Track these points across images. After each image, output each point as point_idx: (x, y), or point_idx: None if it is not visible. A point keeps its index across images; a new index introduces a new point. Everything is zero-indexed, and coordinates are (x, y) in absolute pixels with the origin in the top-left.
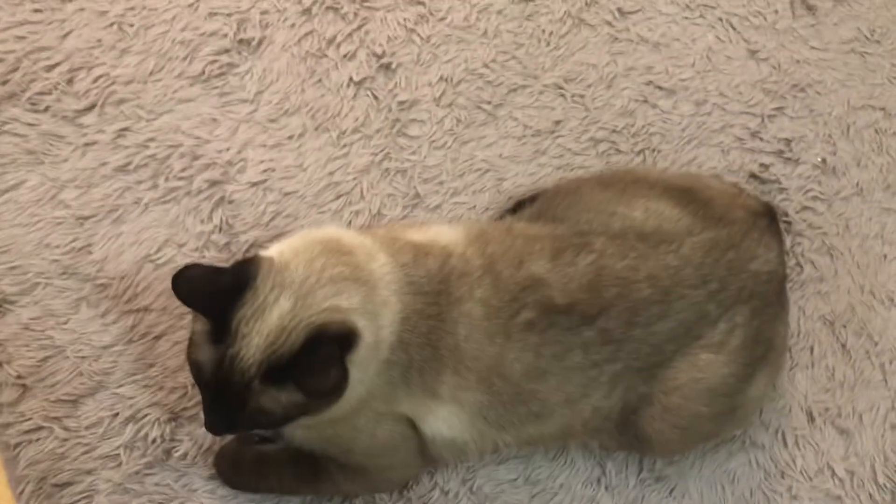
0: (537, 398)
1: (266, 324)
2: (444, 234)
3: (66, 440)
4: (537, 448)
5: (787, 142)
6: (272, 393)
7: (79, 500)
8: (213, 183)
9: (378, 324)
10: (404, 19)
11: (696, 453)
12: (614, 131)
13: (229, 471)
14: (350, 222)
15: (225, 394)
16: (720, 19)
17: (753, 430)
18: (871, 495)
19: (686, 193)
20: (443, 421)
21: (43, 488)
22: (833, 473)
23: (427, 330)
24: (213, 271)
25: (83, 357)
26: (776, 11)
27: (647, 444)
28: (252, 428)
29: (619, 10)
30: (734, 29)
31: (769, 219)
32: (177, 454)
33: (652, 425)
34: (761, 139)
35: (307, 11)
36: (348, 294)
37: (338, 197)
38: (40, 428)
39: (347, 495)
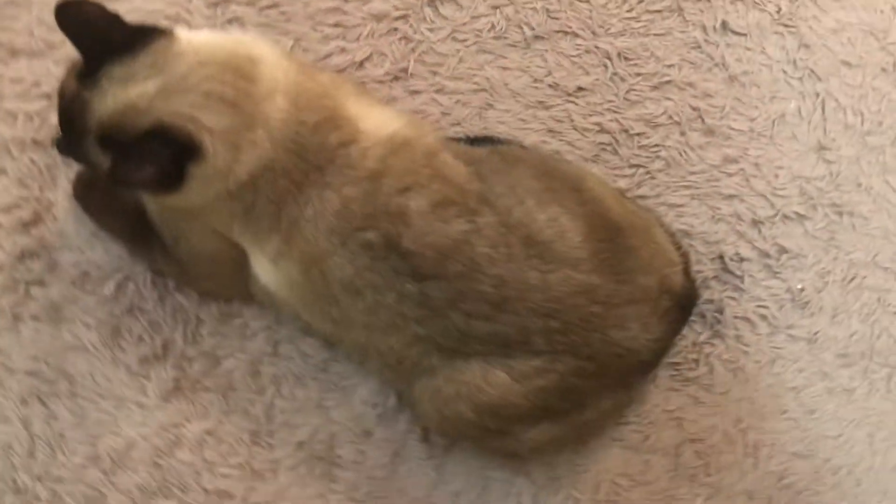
0: (341, 308)
1: (123, 94)
2: (375, 119)
3: None
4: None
5: (783, 251)
6: (101, 155)
7: None
8: None
9: (236, 157)
10: None
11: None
12: (626, 132)
13: (83, 192)
14: (328, 57)
15: (69, 127)
16: (816, 94)
17: (541, 477)
18: None
19: (612, 230)
20: (261, 268)
21: None
22: None
23: (281, 190)
24: (111, 18)
25: None
26: (880, 123)
27: (414, 408)
28: (90, 169)
29: (724, 23)
30: (822, 112)
31: (679, 307)
32: None
33: (423, 395)
34: (759, 231)
35: None
36: (216, 115)
37: (336, 25)
38: None
39: (162, 274)
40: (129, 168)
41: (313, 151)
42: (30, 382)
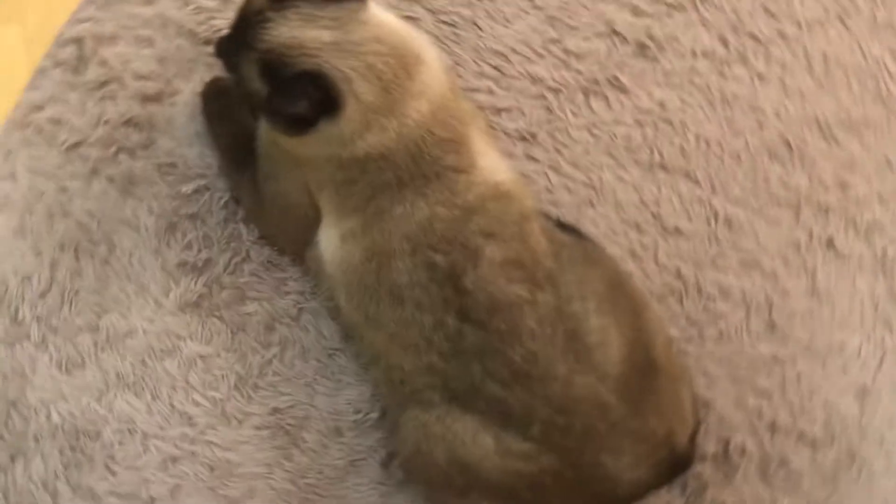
0: (379, 307)
1: (300, 31)
2: (491, 162)
3: None
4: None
5: (783, 464)
6: (253, 74)
7: None
8: None
9: (363, 132)
10: None
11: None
12: (698, 289)
13: (211, 96)
14: (475, 91)
15: (239, 35)
16: (882, 343)
17: None
18: None
19: (648, 366)
20: (327, 239)
21: None
22: None
23: (384, 181)
24: None
25: None
26: None
27: (394, 431)
28: (233, 80)
29: (830, 240)
30: (880, 362)
31: (672, 464)
32: None
33: (409, 423)
34: (772, 436)
35: None
36: (367, 88)
37: (495, 68)
38: None
39: (237, 201)
40: (285, 100)
41: (428, 162)
42: (75, 233)
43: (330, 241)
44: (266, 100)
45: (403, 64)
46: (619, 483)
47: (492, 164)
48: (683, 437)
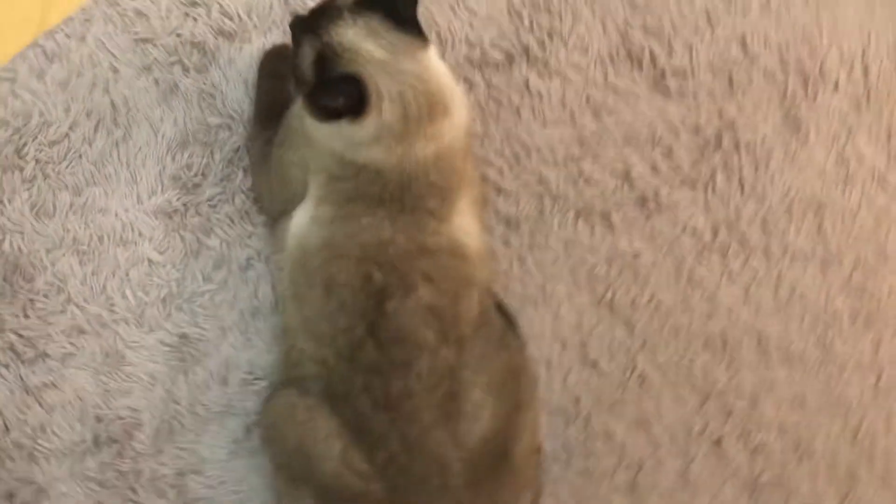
0: (310, 289)
1: (361, 41)
2: (468, 225)
3: None
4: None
5: None
6: (307, 60)
7: None
8: None
9: (371, 145)
10: None
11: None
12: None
13: (272, 55)
14: (484, 177)
15: (313, 21)
16: None
17: None
18: None
19: (502, 454)
20: (300, 214)
21: None
22: None
23: (367, 193)
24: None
25: None
26: None
27: (268, 401)
28: (293, 56)
29: None
30: None
31: None
32: None
33: (281, 398)
34: None
35: None
36: (392, 110)
37: (510, 168)
38: None
39: (248, 149)
40: (327, 92)
41: (411, 195)
42: (106, 109)
43: (301, 219)
44: (312, 84)
45: (430, 107)
46: None
47: (466, 226)
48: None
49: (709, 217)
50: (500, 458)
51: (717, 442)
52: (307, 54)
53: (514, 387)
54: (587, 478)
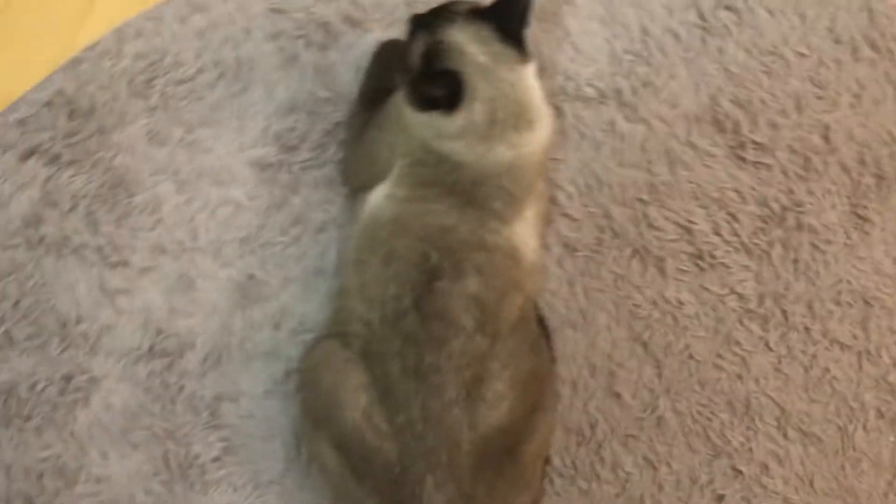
0: (371, 256)
1: (469, 44)
2: (528, 234)
3: None
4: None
5: None
6: (416, 51)
7: None
8: None
9: (455, 139)
10: None
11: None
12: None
13: (388, 47)
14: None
15: (428, 16)
16: None
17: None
18: None
19: (511, 447)
20: (379, 191)
21: None
22: None
23: (441, 181)
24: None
25: None
26: None
27: (311, 348)
28: (405, 46)
29: None
30: None
31: None
32: None
33: (324, 345)
34: None
35: None
36: (482, 111)
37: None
38: None
39: (347, 123)
40: (429, 82)
41: (482, 194)
42: (232, 64)
43: (378, 194)
44: (416, 73)
45: (517, 117)
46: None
47: (525, 236)
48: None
49: (758, 286)
50: (508, 453)
51: (720, 499)
52: (418, 46)
53: (536, 391)
54: (586, 499)
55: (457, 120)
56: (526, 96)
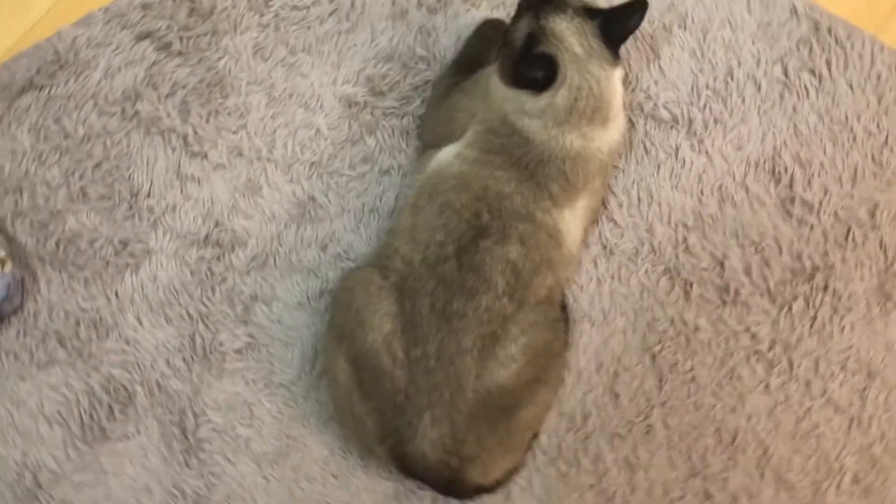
0: (428, 203)
1: (570, 34)
2: (576, 224)
3: None
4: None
5: None
6: (522, 35)
7: None
8: None
9: (533, 118)
10: None
11: None
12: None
13: (492, 24)
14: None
15: (538, 2)
16: None
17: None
18: None
19: (511, 407)
20: (451, 148)
21: None
22: None
23: (510, 152)
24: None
25: None
26: None
27: (352, 272)
28: (508, 25)
29: None
30: None
31: (448, 479)
32: None
33: (363, 273)
34: None
35: None
36: (567, 98)
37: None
38: None
39: (435, 84)
40: (528, 64)
41: (543, 172)
42: (347, 3)
43: (448, 152)
44: (517, 52)
45: (595, 111)
46: (409, 444)
47: (571, 224)
48: (477, 477)
49: (772, 332)
50: (505, 413)
51: None
52: (522, 28)
53: (544, 365)
54: (563, 482)
55: (540, 100)
56: (608, 95)
